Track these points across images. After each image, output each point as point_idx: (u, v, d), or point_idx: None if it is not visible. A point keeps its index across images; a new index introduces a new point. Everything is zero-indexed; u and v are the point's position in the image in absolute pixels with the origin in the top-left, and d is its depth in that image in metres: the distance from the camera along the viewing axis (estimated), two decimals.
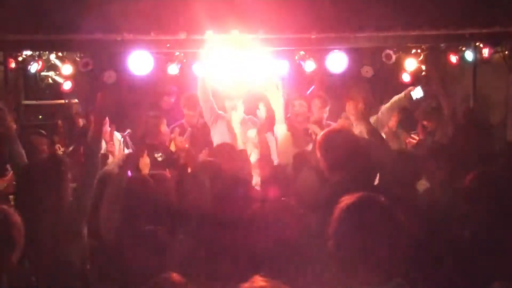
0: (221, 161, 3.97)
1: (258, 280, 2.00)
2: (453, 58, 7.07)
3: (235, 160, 4.23)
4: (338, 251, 2.18)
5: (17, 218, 2.64)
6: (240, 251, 2.87)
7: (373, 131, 4.17)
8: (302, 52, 6.69)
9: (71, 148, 5.54)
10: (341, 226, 2.18)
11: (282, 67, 6.56)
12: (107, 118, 4.77)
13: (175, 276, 2.39)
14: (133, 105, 7.09)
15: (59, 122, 6.70)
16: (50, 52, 6.59)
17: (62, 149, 5.83)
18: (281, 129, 5.27)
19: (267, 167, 4.47)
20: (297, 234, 2.83)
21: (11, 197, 4.30)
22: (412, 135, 6.49)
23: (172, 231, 3.32)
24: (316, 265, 2.86)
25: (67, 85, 6.90)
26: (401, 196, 3.16)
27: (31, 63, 6.43)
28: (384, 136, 5.08)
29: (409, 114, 6.61)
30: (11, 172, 4.67)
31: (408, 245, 2.15)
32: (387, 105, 6.11)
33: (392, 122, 6.42)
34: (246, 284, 2.01)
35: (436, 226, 3.15)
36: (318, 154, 3.59)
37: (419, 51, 7.04)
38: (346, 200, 2.22)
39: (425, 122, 6.37)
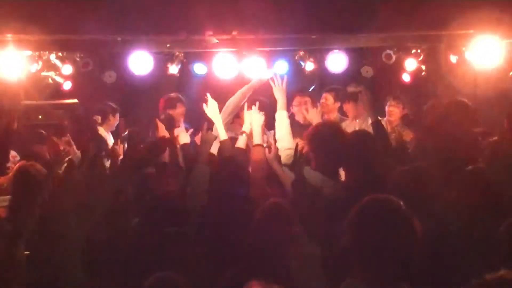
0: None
1: (255, 285, 2.00)
2: (453, 58, 7.05)
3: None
4: (351, 251, 2.20)
5: None
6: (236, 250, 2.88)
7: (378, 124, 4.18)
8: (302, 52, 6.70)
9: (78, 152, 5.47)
10: (357, 223, 2.21)
11: (282, 67, 6.57)
12: None
13: (173, 275, 2.38)
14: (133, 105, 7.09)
15: (66, 122, 6.65)
16: (50, 52, 6.58)
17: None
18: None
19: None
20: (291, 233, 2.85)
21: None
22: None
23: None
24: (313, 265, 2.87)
25: (67, 85, 6.90)
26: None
27: (31, 63, 6.42)
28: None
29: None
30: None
31: (419, 250, 2.17)
32: None
33: (394, 119, 6.16)
34: None
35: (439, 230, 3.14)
36: (307, 147, 3.64)
37: (419, 51, 7.02)
38: (366, 199, 2.25)
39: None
